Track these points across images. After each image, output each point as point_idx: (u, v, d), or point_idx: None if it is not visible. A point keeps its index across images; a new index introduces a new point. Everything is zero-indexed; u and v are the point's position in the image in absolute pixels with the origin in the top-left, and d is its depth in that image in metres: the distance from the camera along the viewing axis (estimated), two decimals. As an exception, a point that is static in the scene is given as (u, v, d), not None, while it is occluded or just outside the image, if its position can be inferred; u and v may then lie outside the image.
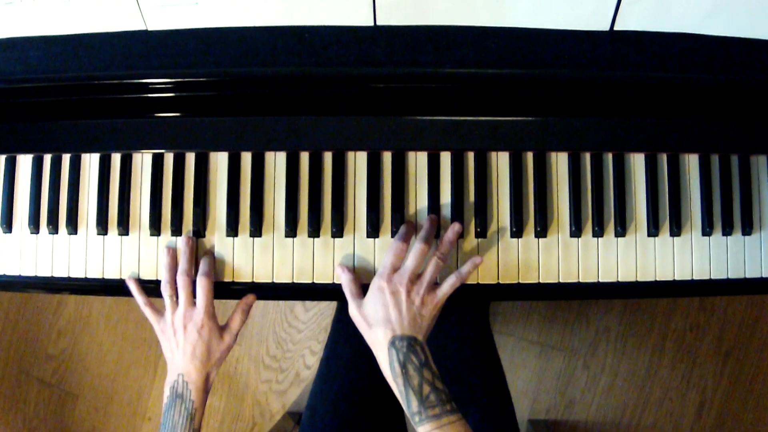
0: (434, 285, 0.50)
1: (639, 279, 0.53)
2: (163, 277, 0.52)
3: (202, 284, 0.51)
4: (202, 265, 0.52)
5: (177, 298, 0.52)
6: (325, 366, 0.66)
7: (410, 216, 0.54)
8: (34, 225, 0.56)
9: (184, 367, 0.50)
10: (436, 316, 0.50)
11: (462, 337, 0.66)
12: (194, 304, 0.51)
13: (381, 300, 0.48)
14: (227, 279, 0.54)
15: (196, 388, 0.50)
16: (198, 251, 0.54)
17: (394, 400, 0.66)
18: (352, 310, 0.50)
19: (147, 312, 0.53)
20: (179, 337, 0.51)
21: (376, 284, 0.49)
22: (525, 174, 0.54)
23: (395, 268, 0.49)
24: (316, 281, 0.54)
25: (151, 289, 0.55)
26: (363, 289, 0.51)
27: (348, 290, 0.51)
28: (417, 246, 0.49)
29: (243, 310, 0.54)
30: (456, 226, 0.52)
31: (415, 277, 0.49)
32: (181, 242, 0.53)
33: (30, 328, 1.14)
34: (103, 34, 0.49)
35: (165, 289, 0.52)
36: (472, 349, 0.65)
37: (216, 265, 0.54)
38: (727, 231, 0.54)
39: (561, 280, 0.53)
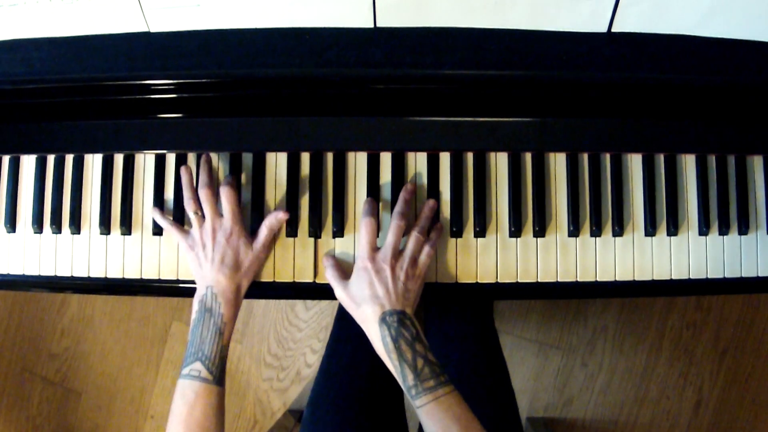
0: (416, 259, 0.50)
1: (636, 278, 0.54)
2: (185, 195, 0.52)
3: (226, 193, 0.51)
4: (224, 180, 0.52)
5: (202, 212, 0.51)
6: (326, 364, 0.67)
7: (410, 215, 0.55)
8: (38, 225, 0.56)
9: (213, 278, 0.49)
10: (421, 288, 0.50)
11: (466, 334, 0.66)
12: (220, 215, 0.51)
13: (366, 279, 0.48)
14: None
15: (225, 300, 0.48)
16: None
17: (395, 397, 0.67)
18: (339, 293, 0.50)
19: (173, 231, 0.52)
20: (208, 249, 0.50)
21: (360, 265, 0.49)
22: (523, 174, 0.55)
23: (372, 246, 0.50)
24: (317, 280, 0.54)
25: (158, 288, 0.55)
26: (347, 276, 0.51)
27: (331, 275, 0.51)
28: (394, 222, 0.50)
29: (270, 222, 0.52)
30: (431, 202, 0.52)
31: (397, 253, 0.49)
32: (200, 159, 0.53)
33: (33, 326, 1.15)
34: (106, 35, 0.50)
35: (189, 206, 0.52)
36: (475, 346, 0.66)
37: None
38: (724, 231, 0.55)
39: (559, 280, 0.54)
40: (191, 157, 0.56)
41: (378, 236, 0.52)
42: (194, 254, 0.51)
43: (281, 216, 0.52)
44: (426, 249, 0.51)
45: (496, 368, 0.65)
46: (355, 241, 0.54)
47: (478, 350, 0.65)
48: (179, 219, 0.55)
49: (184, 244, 0.52)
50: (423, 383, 0.44)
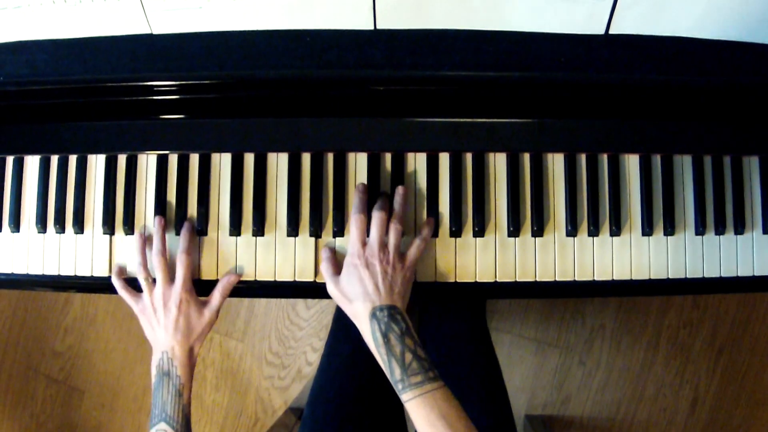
0: (401, 252, 0.51)
1: (633, 277, 0.54)
2: (136, 260, 0.53)
3: (182, 260, 0.52)
4: (182, 242, 0.53)
5: (153, 279, 0.52)
6: (326, 362, 0.67)
7: (409, 215, 0.55)
8: (42, 224, 0.57)
9: (167, 343, 0.51)
10: (411, 281, 0.51)
11: (459, 333, 0.67)
12: (172, 282, 0.52)
13: (356, 275, 0.49)
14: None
15: (181, 363, 0.50)
16: (200, 248, 0.55)
17: (395, 395, 0.67)
18: (331, 288, 0.51)
19: (124, 295, 0.54)
20: (159, 315, 0.51)
21: (349, 261, 0.50)
22: (522, 175, 0.55)
23: (362, 242, 0.50)
24: (317, 279, 0.55)
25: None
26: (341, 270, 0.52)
27: (325, 269, 0.52)
28: (376, 215, 0.51)
29: (223, 287, 0.53)
30: (400, 189, 0.53)
31: (383, 246, 0.50)
32: (155, 224, 0.54)
33: (37, 325, 1.16)
34: (110, 37, 0.50)
35: (139, 272, 0.52)
36: (469, 345, 0.66)
37: (219, 263, 0.55)
38: (720, 230, 0.55)
39: (557, 279, 0.54)
40: (193, 158, 0.56)
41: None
42: (146, 318, 0.52)
43: (233, 279, 0.54)
44: (416, 242, 0.51)
45: (489, 366, 0.65)
46: (356, 241, 0.55)
47: (473, 349, 0.66)
48: (181, 218, 0.56)
49: (136, 308, 0.53)
50: (410, 378, 0.44)
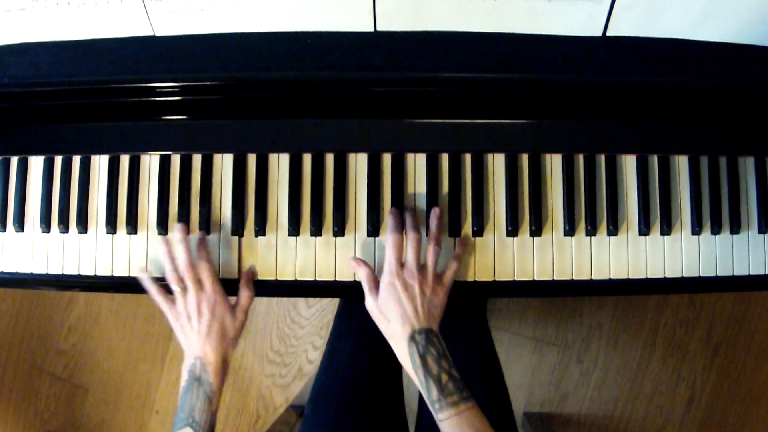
0: (438, 274, 0.51)
1: (631, 276, 0.55)
2: (167, 267, 0.53)
3: (203, 267, 0.52)
4: (199, 252, 0.53)
5: (183, 284, 0.52)
6: (327, 360, 0.68)
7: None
8: (46, 224, 0.57)
9: (200, 349, 0.50)
10: (446, 302, 0.51)
11: (460, 332, 0.67)
12: (202, 287, 0.52)
13: (395, 296, 0.49)
14: (233, 276, 0.56)
15: (213, 369, 0.50)
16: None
17: (395, 393, 0.68)
18: (370, 304, 0.51)
19: (159, 300, 0.53)
20: (194, 321, 0.51)
21: (387, 280, 0.50)
22: (520, 175, 0.56)
23: (399, 261, 0.51)
24: (318, 279, 0.55)
25: (163, 286, 0.56)
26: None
27: (366, 284, 0.52)
28: (411, 236, 0.51)
29: (246, 284, 0.54)
30: (436, 210, 0.53)
31: (421, 267, 0.51)
32: (176, 230, 0.54)
33: (41, 324, 1.16)
34: (113, 39, 0.51)
35: (171, 278, 0.52)
36: (470, 344, 0.67)
37: (221, 262, 0.56)
38: (716, 230, 0.56)
39: (555, 278, 0.55)
40: (196, 159, 0.57)
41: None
42: (180, 325, 0.52)
43: (251, 273, 0.54)
44: (453, 266, 0.52)
45: (490, 365, 0.66)
46: (356, 241, 0.56)
47: (474, 348, 0.66)
48: (184, 218, 0.56)
49: (170, 314, 0.53)
50: (447, 398, 0.46)
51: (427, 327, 0.48)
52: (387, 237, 0.52)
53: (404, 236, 0.52)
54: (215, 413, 0.50)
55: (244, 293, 0.54)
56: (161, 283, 0.54)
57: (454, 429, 0.45)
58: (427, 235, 0.53)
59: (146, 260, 0.57)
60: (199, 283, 0.52)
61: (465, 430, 0.45)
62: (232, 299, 0.54)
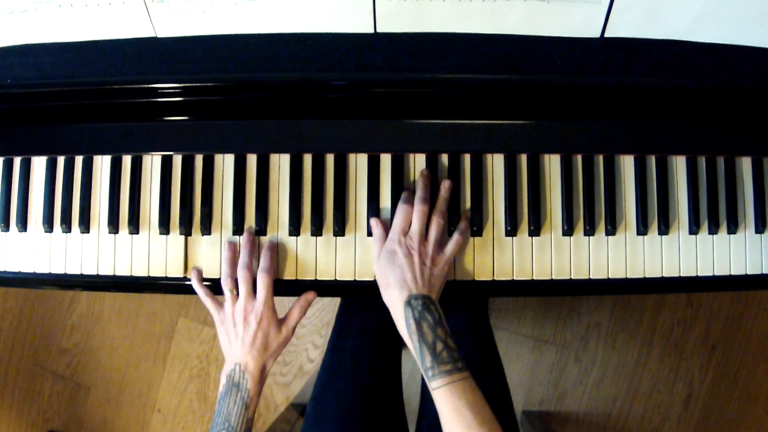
0: (441, 244, 0.52)
1: (628, 276, 0.55)
2: (224, 270, 0.54)
3: (263, 279, 0.52)
4: (263, 261, 0.53)
5: (237, 291, 0.53)
6: (328, 359, 0.68)
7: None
8: (48, 224, 0.58)
9: (242, 357, 0.51)
10: (447, 274, 0.52)
11: (461, 330, 0.68)
12: (254, 296, 0.52)
13: (396, 262, 0.50)
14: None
15: (252, 378, 0.51)
16: (203, 247, 0.56)
17: (395, 392, 0.68)
18: (376, 268, 0.52)
19: (208, 303, 0.54)
20: (239, 328, 0.52)
21: (388, 246, 0.51)
22: (519, 175, 0.56)
23: (404, 231, 0.51)
24: (318, 278, 0.56)
25: (165, 285, 0.57)
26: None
27: (377, 244, 0.53)
28: (418, 208, 0.52)
29: (302, 305, 0.55)
30: (446, 183, 0.54)
31: (424, 238, 0.51)
32: (243, 238, 0.55)
33: (44, 323, 1.17)
34: (115, 40, 0.51)
35: (225, 283, 0.53)
36: (471, 342, 0.67)
37: (220, 260, 0.56)
38: (713, 230, 0.56)
39: (554, 277, 0.55)
40: (197, 159, 0.57)
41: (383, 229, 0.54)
42: (224, 329, 0.53)
43: (311, 297, 0.55)
44: (455, 237, 0.52)
45: (491, 363, 0.66)
46: (356, 240, 0.56)
47: (475, 346, 0.67)
48: (184, 220, 0.56)
49: (217, 318, 0.54)
50: (440, 366, 0.45)
51: (425, 294, 0.49)
52: (399, 206, 0.53)
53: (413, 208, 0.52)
54: (252, 420, 0.50)
55: (296, 312, 0.55)
56: (159, 282, 0.55)
57: (445, 398, 0.44)
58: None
59: (148, 260, 0.57)
60: (252, 292, 0.53)
61: (455, 400, 0.44)
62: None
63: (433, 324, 0.47)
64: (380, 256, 0.52)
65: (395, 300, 0.49)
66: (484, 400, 0.45)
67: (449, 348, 0.47)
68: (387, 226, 0.54)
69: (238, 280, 0.53)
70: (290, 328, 0.54)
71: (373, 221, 0.54)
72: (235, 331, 0.52)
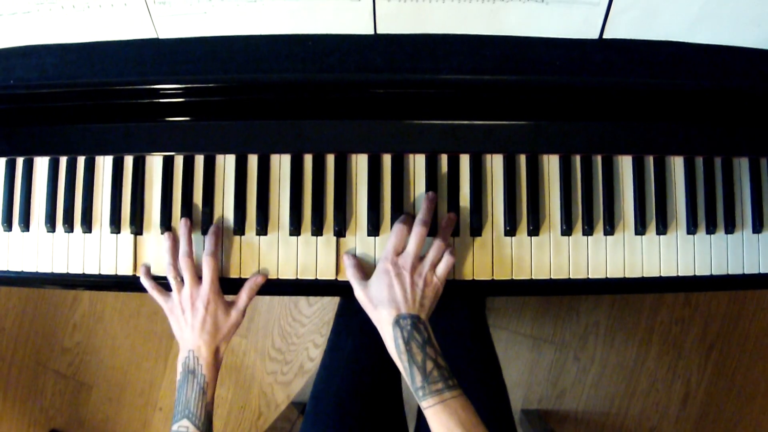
0: (435, 267, 0.51)
1: (627, 275, 0.55)
2: (166, 260, 0.54)
3: (207, 262, 0.53)
4: (207, 245, 0.54)
5: (181, 278, 0.53)
6: (328, 358, 0.68)
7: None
8: (51, 224, 0.58)
9: (193, 342, 0.52)
10: (438, 296, 0.52)
11: (459, 330, 0.68)
12: (199, 282, 0.53)
13: (386, 281, 0.50)
14: (234, 275, 0.56)
15: (206, 362, 0.51)
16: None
17: (394, 391, 0.69)
18: (358, 293, 0.52)
19: (155, 294, 0.55)
20: (187, 314, 0.52)
21: (382, 267, 0.51)
22: (518, 175, 0.56)
23: (398, 251, 0.51)
24: (319, 277, 0.56)
25: (167, 285, 0.56)
26: (366, 276, 0.53)
27: (351, 275, 0.53)
28: (417, 229, 0.51)
29: (250, 288, 0.55)
30: (451, 215, 0.54)
31: (418, 259, 0.51)
32: (180, 226, 0.55)
33: (46, 322, 1.17)
34: (117, 42, 0.51)
35: (169, 271, 0.53)
36: (469, 341, 0.67)
37: (223, 260, 0.56)
38: (711, 230, 0.56)
39: (552, 277, 0.55)
40: (198, 159, 0.58)
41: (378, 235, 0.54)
42: (174, 317, 0.53)
43: (260, 280, 0.55)
44: (446, 258, 0.51)
45: (489, 363, 0.67)
46: (356, 240, 0.56)
47: (473, 345, 0.67)
48: (187, 216, 0.57)
49: (165, 307, 0.54)
50: (430, 385, 0.45)
51: (414, 314, 0.48)
52: (394, 226, 0.52)
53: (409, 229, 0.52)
54: (210, 404, 0.51)
55: (244, 295, 0.55)
56: (161, 281, 0.56)
57: (437, 418, 0.44)
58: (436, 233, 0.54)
59: (149, 259, 0.57)
60: (197, 278, 0.53)
61: (447, 419, 0.44)
62: (231, 298, 0.55)
63: (422, 343, 0.47)
64: (371, 278, 0.51)
65: (383, 319, 0.49)
66: (477, 417, 0.45)
67: (440, 366, 0.46)
68: (370, 262, 0.54)
69: (181, 268, 0.53)
70: (240, 310, 0.54)
71: (346, 256, 0.54)
72: (185, 318, 0.52)
